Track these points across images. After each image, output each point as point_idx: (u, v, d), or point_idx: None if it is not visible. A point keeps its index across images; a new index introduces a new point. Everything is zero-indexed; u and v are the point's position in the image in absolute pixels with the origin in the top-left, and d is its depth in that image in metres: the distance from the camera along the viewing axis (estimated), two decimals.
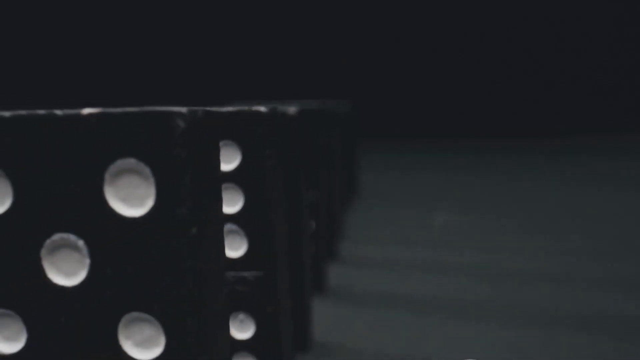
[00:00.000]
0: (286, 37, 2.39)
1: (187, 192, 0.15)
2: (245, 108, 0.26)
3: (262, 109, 0.26)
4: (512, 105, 2.30)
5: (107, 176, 0.15)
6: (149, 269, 0.15)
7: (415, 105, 2.30)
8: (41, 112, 0.15)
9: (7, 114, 0.15)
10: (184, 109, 0.15)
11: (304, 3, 2.38)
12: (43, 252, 0.16)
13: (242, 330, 0.27)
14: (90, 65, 2.42)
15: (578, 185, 1.11)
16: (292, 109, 0.36)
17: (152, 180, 0.15)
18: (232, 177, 0.26)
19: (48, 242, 0.16)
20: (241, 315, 0.27)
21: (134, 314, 0.16)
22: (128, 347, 0.16)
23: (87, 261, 0.16)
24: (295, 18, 2.39)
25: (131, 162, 0.15)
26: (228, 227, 0.26)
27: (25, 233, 0.16)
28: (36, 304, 0.16)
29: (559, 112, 2.26)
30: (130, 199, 0.15)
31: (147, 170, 0.15)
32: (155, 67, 2.40)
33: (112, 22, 2.44)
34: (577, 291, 0.48)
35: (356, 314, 0.45)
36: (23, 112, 0.15)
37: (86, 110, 0.15)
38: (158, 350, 0.16)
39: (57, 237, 0.16)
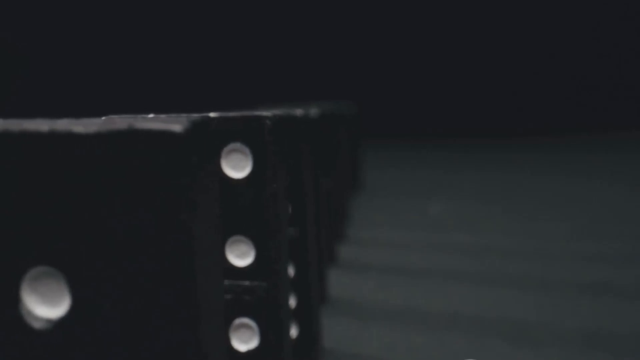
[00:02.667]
0: (290, 41, 2.48)
1: (271, 163, 0.25)
2: (285, 112, 0.36)
3: (299, 112, 0.36)
4: (511, 105, 2.36)
5: (222, 153, 0.25)
6: (246, 208, 0.26)
7: (415, 105, 2.38)
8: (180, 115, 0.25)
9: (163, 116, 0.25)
10: (270, 113, 0.25)
11: (307, 7, 2.47)
12: None
13: None
14: (97, 71, 2.53)
15: (563, 178, 1.20)
16: (313, 112, 0.46)
17: (250, 156, 0.25)
18: None
19: None
20: None
21: (235, 237, 0.26)
22: (231, 259, 0.26)
23: None
24: (299, 22, 2.47)
25: (238, 145, 0.25)
26: None
27: None
28: None
29: (555, 111, 2.33)
30: (236, 167, 0.25)
31: (247, 150, 0.25)
32: (156, 72, 2.49)
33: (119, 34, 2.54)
34: (549, 263, 0.58)
35: (361, 279, 0.55)
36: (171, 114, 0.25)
37: (212, 114, 0.25)
38: (250, 260, 0.26)
39: None
